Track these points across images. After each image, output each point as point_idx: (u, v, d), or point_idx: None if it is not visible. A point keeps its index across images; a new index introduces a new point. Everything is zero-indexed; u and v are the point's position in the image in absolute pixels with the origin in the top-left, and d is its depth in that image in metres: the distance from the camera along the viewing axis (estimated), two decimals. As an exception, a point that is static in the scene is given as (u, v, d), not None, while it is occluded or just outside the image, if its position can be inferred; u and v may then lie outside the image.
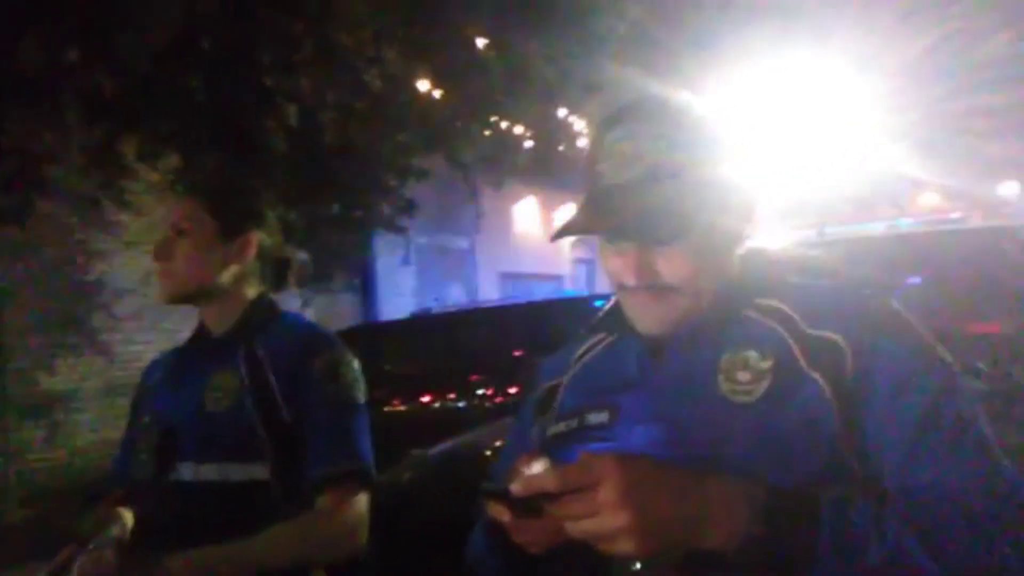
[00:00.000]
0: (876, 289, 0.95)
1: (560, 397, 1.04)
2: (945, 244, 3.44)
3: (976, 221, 3.92)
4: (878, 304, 0.90)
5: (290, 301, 7.46)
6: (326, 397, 1.32)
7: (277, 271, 1.49)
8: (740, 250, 0.97)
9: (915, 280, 3.37)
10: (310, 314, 8.31)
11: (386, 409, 5.87)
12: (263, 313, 1.42)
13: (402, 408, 5.93)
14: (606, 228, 0.91)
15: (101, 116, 5.57)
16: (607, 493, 0.70)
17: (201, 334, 1.44)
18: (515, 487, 0.73)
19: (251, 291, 1.43)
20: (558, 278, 13.09)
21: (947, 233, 3.65)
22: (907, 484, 0.80)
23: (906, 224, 4.20)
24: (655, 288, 0.90)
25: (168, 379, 1.44)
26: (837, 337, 0.87)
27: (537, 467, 0.76)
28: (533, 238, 12.73)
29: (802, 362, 0.87)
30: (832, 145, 8.40)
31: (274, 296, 1.51)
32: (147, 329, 7.01)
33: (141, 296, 7.03)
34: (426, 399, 5.89)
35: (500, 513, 0.78)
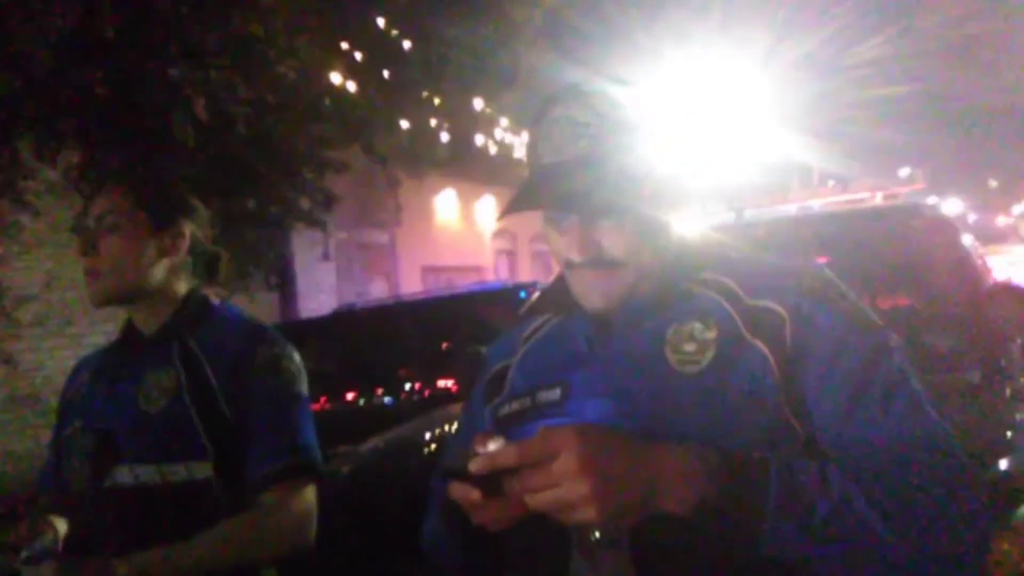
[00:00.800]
0: (809, 261, 0.99)
1: (510, 378, 1.04)
2: (857, 223, 3.60)
3: (884, 201, 4.10)
4: (813, 274, 0.94)
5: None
6: (268, 390, 1.28)
7: (208, 265, 1.43)
8: (678, 227, 1.00)
9: (822, 259, 3.51)
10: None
11: (312, 408, 5.77)
12: (196, 308, 1.37)
13: (328, 406, 5.84)
14: (549, 204, 0.93)
15: (-7, 113, 5.27)
16: (567, 463, 0.71)
17: (130, 333, 1.38)
18: (474, 465, 0.74)
19: (183, 286, 1.38)
20: (480, 270, 13.09)
21: (859, 212, 3.82)
22: (845, 440, 0.85)
23: (819, 205, 4.37)
24: (600, 264, 0.92)
25: (98, 382, 1.37)
26: (776, 306, 0.91)
27: (494, 445, 0.76)
28: (454, 230, 12.70)
29: (744, 331, 0.90)
30: (741, 133, 8.70)
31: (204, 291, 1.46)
32: (52, 335, 6.68)
33: (44, 301, 6.70)
34: (352, 396, 5.82)
35: (462, 493, 0.78)
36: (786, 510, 0.76)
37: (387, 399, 5.73)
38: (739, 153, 8.53)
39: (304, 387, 1.35)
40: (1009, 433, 2.37)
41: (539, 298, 1.11)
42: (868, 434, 0.84)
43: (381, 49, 5.96)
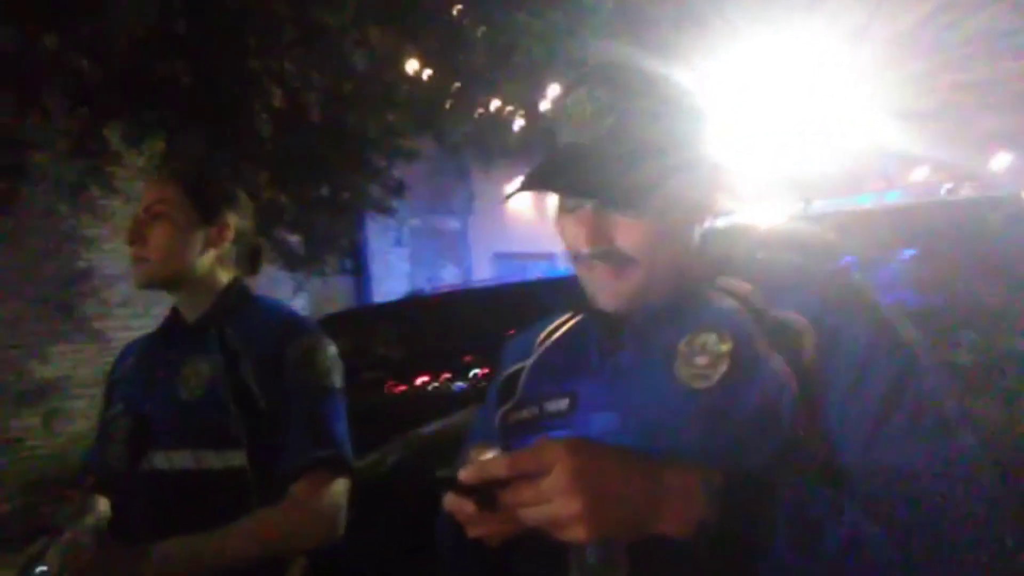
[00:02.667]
0: (841, 265, 0.93)
1: (522, 383, 1.02)
2: (933, 216, 3.42)
3: (964, 193, 3.88)
4: (841, 282, 0.89)
5: (283, 286, 7.45)
6: (301, 383, 1.30)
7: (250, 256, 1.47)
8: (703, 225, 0.95)
9: (910, 252, 3.36)
10: (304, 299, 8.30)
11: (380, 391, 5.88)
12: (236, 298, 1.40)
13: (396, 390, 5.94)
14: (562, 184, 0.89)
15: (84, 102, 5.51)
16: (557, 479, 0.69)
17: (174, 320, 1.42)
18: (464, 474, 0.73)
19: (225, 276, 1.41)
20: (551, 257, 13.05)
21: (935, 205, 3.62)
22: (866, 468, 0.79)
23: (895, 197, 4.16)
24: (611, 259, 0.88)
25: (140, 367, 1.42)
26: (798, 318, 0.85)
27: (488, 454, 0.75)
28: (526, 218, 12.68)
29: (761, 345, 0.85)
30: (821, 119, 8.35)
31: (251, 280, 1.49)
32: (139, 315, 6.99)
33: (131, 282, 7.02)
34: (420, 380, 5.89)
35: (456, 504, 0.77)
36: (794, 539, 0.72)
37: (457, 385, 5.79)
38: (818, 139, 8.20)
39: (338, 381, 1.36)
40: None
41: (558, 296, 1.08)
42: (892, 461, 0.78)
43: (451, 37, 5.97)
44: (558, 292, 1.03)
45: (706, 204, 0.94)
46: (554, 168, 0.89)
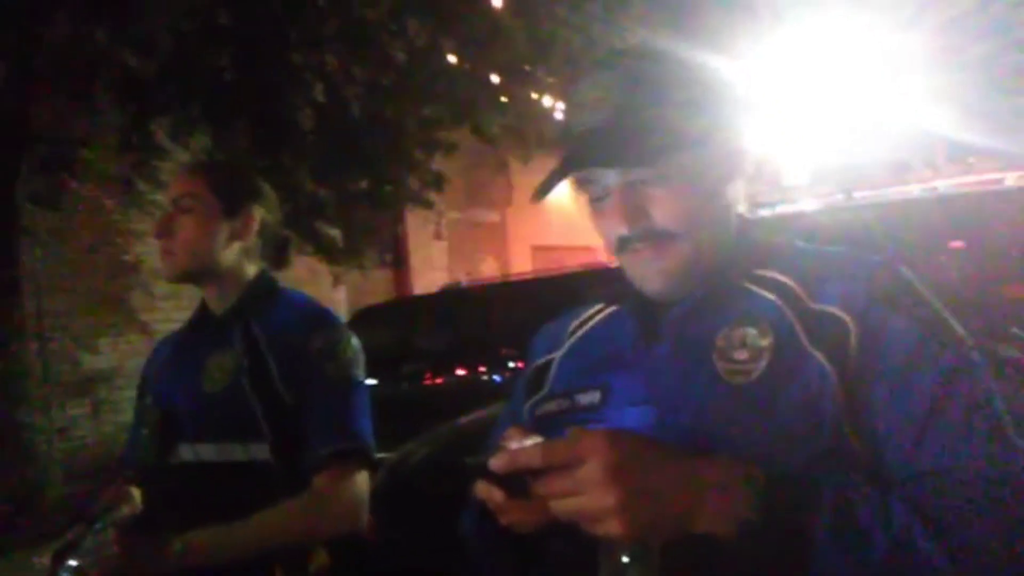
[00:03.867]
0: (887, 256, 0.89)
1: (552, 374, 1.00)
2: (983, 206, 3.31)
3: (1015, 182, 3.76)
4: (888, 274, 0.85)
5: (323, 278, 7.53)
6: (324, 375, 1.30)
7: (277, 249, 1.47)
8: (736, 206, 0.92)
9: (957, 243, 3.26)
10: (344, 291, 8.38)
11: (419, 383, 5.91)
12: (262, 291, 1.41)
13: (435, 382, 5.97)
14: (579, 168, 0.87)
15: (131, 98, 5.63)
16: (593, 470, 0.67)
17: (203, 313, 1.44)
18: (496, 462, 0.71)
19: (251, 269, 1.42)
20: (590, 249, 12.99)
21: (985, 195, 3.51)
22: (915, 469, 0.76)
23: (944, 186, 4.04)
24: (652, 236, 0.86)
25: (170, 360, 1.44)
26: (842, 312, 0.82)
27: (523, 442, 0.73)
28: (565, 210, 12.63)
29: (803, 339, 0.82)
30: (868, 107, 8.15)
31: (281, 273, 1.49)
32: (184, 307, 7.10)
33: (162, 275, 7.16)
34: (458, 372, 5.91)
35: (486, 492, 0.75)
36: (838, 541, 0.69)
37: (495, 377, 5.80)
38: (862, 128, 8.00)
39: (361, 373, 1.36)
40: None
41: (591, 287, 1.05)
42: (941, 464, 0.75)
43: (490, 29, 5.96)
44: (596, 284, 1.01)
45: (734, 168, 0.91)
46: (571, 156, 0.87)
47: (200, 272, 1.38)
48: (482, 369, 5.77)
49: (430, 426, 2.99)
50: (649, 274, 0.88)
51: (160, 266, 1.40)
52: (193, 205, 1.36)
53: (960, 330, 0.82)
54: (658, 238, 0.86)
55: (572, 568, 0.83)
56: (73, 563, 1.17)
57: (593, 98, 0.87)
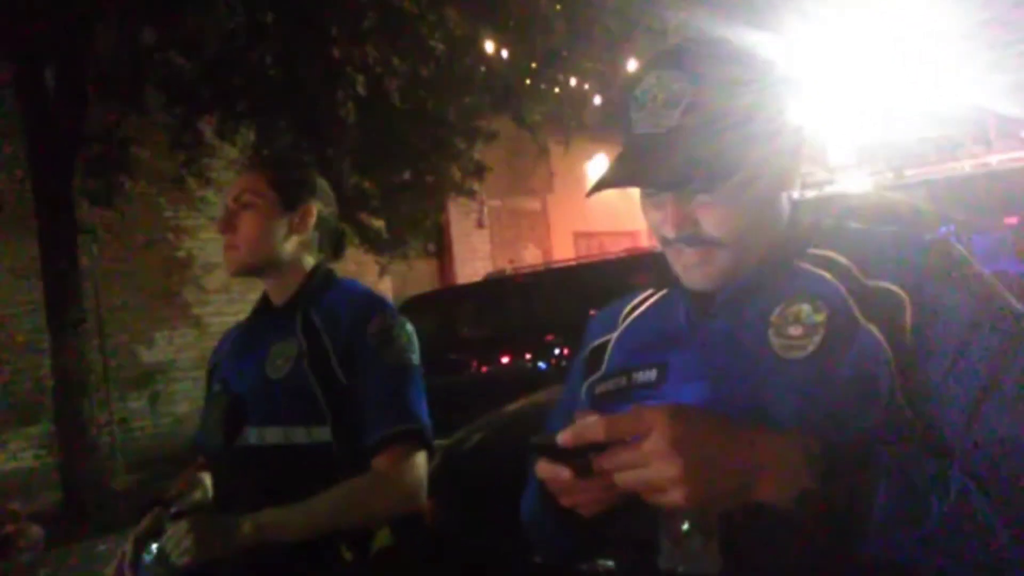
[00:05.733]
0: (938, 234, 0.89)
1: (609, 355, 1.02)
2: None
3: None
4: (940, 251, 0.85)
5: (369, 269, 7.63)
6: (381, 361, 1.34)
7: (333, 240, 1.51)
8: (790, 197, 0.93)
9: (1012, 220, 3.19)
10: (389, 281, 8.48)
11: (465, 372, 5.97)
12: (320, 281, 1.45)
13: (480, 370, 6.02)
14: (640, 181, 0.88)
15: (179, 97, 5.76)
16: (657, 442, 0.69)
17: (264, 304, 1.49)
18: (563, 437, 0.73)
19: (310, 260, 1.46)
20: (633, 235, 12.93)
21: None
22: (972, 440, 0.76)
23: (997, 161, 3.93)
24: (697, 241, 0.87)
25: (235, 350, 1.50)
26: (895, 288, 0.82)
27: (587, 420, 0.75)
28: (606, 195, 12.50)
29: (858, 314, 0.82)
30: (915, 83, 7.93)
31: (334, 264, 1.54)
32: (235, 301, 7.29)
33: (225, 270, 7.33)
34: (503, 360, 5.96)
35: (551, 472, 0.78)
36: (896, 510, 0.70)
37: (540, 364, 5.83)
38: (912, 105, 7.79)
39: (416, 358, 1.39)
40: None
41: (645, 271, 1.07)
42: (997, 434, 0.75)
43: (528, 16, 5.95)
44: (639, 270, 1.02)
45: (791, 175, 0.92)
46: (632, 162, 0.87)
47: (261, 265, 1.42)
48: (527, 356, 5.81)
49: (477, 414, 3.03)
50: (691, 274, 0.90)
51: (224, 260, 1.45)
52: (254, 201, 1.40)
53: (1015, 304, 0.82)
54: (703, 244, 0.87)
55: (633, 547, 0.86)
56: (155, 547, 1.22)
57: (656, 100, 0.86)
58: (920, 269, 0.83)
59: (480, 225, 10.25)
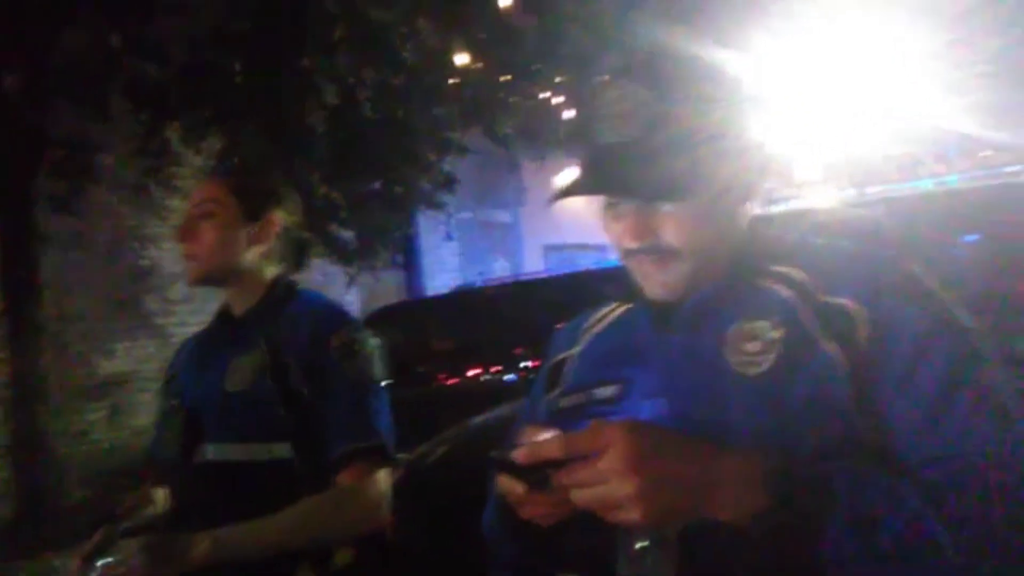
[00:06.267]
0: (895, 251, 0.90)
1: (569, 370, 1.02)
2: (996, 199, 3.30)
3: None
4: (896, 268, 0.86)
5: (336, 280, 7.57)
6: (343, 375, 1.32)
7: (297, 251, 1.49)
8: (750, 212, 0.94)
9: (971, 238, 3.25)
10: (356, 293, 8.42)
11: (432, 384, 5.94)
12: (282, 293, 1.43)
13: (448, 383, 5.99)
14: (601, 189, 0.88)
15: (145, 103, 5.68)
16: (614, 459, 0.69)
17: (224, 315, 1.46)
18: (519, 453, 0.73)
19: (271, 271, 1.44)
20: (603, 248, 13.01)
21: (999, 187, 3.50)
22: (924, 456, 0.77)
23: (956, 180, 4.02)
24: (657, 252, 0.88)
25: (193, 362, 1.47)
26: (852, 304, 0.83)
27: (542, 436, 0.75)
28: (577, 209, 12.62)
29: (814, 331, 0.83)
30: (880, 101, 8.10)
31: (298, 276, 1.52)
32: (199, 311, 7.18)
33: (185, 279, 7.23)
34: (471, 373, 5.93)
35: (508, 485, 0.77)
36: (851, 526, 0.70)
37: (509, 376, 5.82)
38: (874, 122, 7.95)
39: (379, 373, 1.38)
40: None
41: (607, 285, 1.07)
42: (949, 451, 0.76)
43: (500, 29, 5.97)
44: (609, 283, 1.03)
45: (753, 189, 0.92)
46: (594, 171, 0.88)
47: (221, 275, 1.40)
48: (495, 369, 5.80)
49: (444, 427, 3.01)
50: (651, 285, 0.91)
51: (186, 271, 1.42)
52: (215, 210, 1.38)
53: (967, 321, 0.84)
54: (662, 254, 0.88)
55: (591, 561, 0.85)
56: (101, 564, 1.19)
57: (620, 110, 0.87)
58: (876, 285, 0.84)
59: (450, 237, 10.23)
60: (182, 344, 1.58)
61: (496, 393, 4.99)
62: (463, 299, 6.66)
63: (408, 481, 2.28)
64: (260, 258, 1.42)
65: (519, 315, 6.05)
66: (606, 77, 0.91)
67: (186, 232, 1.38)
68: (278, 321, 1.38)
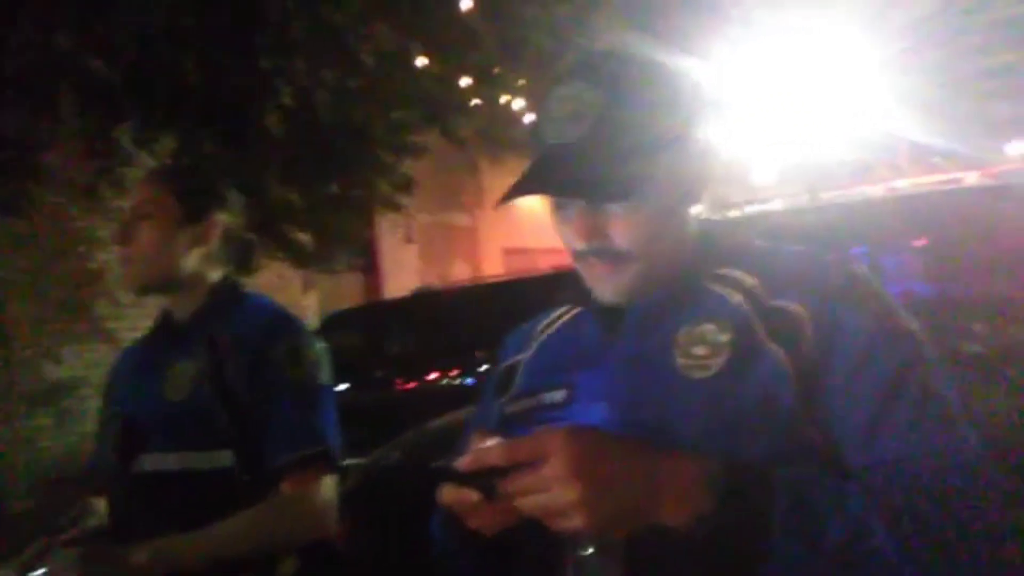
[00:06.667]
0: (842, 255, 0.91)
1: (520, 375, 1.01)
2: (944, 206, 3.39)
3: (975, 181, 3.85)
4: (841, 271, 0.87)
5: (293, 283, 7.48)
6: (288, 380, 1.29)
7: (242, 254, 1.46)
8: (698, 213, 0.94)
9: (920, 242, 3.33)
10: (313, 295, 8.32)
11: (391, 388, 5.89)
12: (225, 297, 1.40)
13: (407, 386, 5.95)
14: (549, 190, 0.88)
15: (95, 103, 5.55)
16: (556, 466, 0.68)
17: (165, 321, 1.42)
18: (461, 462, 0.72)
19: (214, 275, 1.41)
20: (561, 251, 13.03)
21: (946, 194, 3.59)
22: (868, 459, 0.78)
23: (905, 186, 4.12)
24: (607, 254, 0.87)
25: (133, 369, 1.43)
26: (798, 307, 0.84)
27: (488, 443, 0.74)
28: (536, 211, 12.67)
29: (761, 335, 0.84)
30: (834, 108, 8.28)
31: (254, 279, 1.48)
32: (150, 316, 6.93)
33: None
34: (431, 376, 5.90)
35: (452, 494, 0.76)
36: (794, 531, 0.70)
37: (468, 380, 5.80)
38: (831, 130, 8.12)
39: (326, 377, 1.35)
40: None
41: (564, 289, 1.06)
42: (893, 452, 0.77)
43: (460, 32, 5.96)
44: (568, 286, 1.02)
45: (701, 193, 0.93)
46: (540, 171, 0.87)
47: (161, 279, 1.36)
48: (455, 372, 5.77)
49: (403, 430, 2.98)
50: (601, 287, 0.90)
51: (123, 276, 1.38)
52: (152, 211, 1.35)
53: (912, 324, 0.85)
54: (613, 256, 0.88)
55: (538, 568, 0.84)
56: (40, 572, 1.15)
57: (567, 111, 0.86)
58: (822, 288, 0.85)
59: (409, 240, 10.18)
60: (124, 352, 1.53)
61: (455, 397, 4.96)
62: (422, 302, 6.62)
63: (363, 486, 2.25)
64: (202, 261, 1.38)
65: (478, 318, 6.04)
66: (554, 77, 0.90)
67: (122, 236, 1.34)
68: (222, 326, 1.34)
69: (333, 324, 6.33)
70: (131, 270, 1.36)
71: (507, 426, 0.94)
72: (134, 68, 5.28)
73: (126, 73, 5.40)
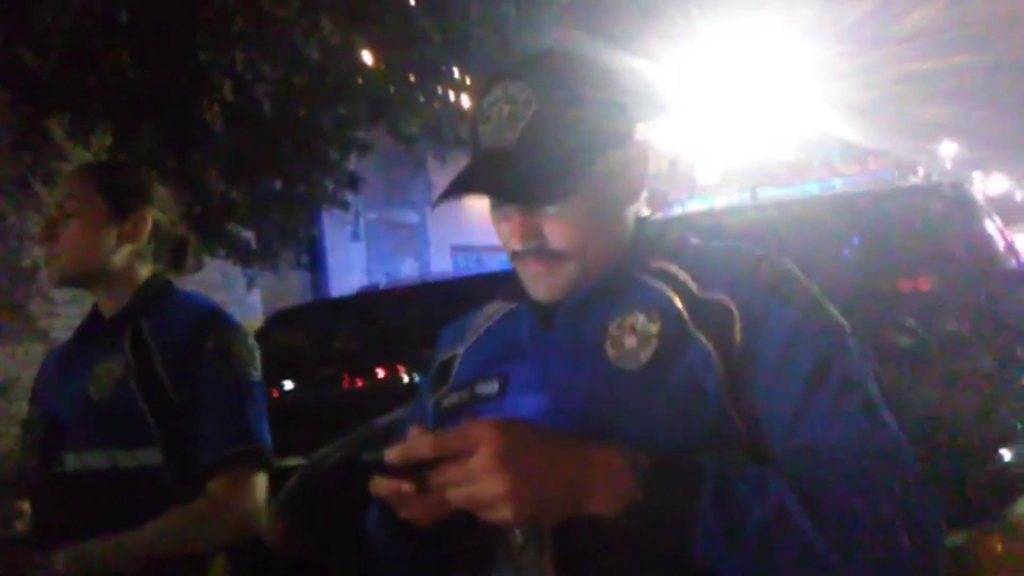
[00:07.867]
0: (771, 250, 0.93)
1: (456, 368, 1.02)
2: (877, 204, 3.50)
3: (904, 180, 3.99)
4: (771, 266, 0.89)
5: (237, 281, 7.34)
6: (217, 376, 1.27)
7: (175, 251, 1.43)
8: (634, 212, 0.95)
9: (853, 239, 3.42)
10: (258, 293, 8.18)
11: (337, 386, 5.83)
12: (154, 293, 1.37)
13: (354, 384, 5.89)
14: (485, 193, 0.88)
15: (27, 94, 5.36)
16: (482, 458, 0.69)
17: (93, 318, 1.39)
18: (391, 454, 0.72)
19: (144, 271, 1.38)
20: (511, 249, 13.08)
21: (879, 193, 3.71)
22: (791, 446, 0.80)
23: (840, 184, 4.24)
24: (543, 254, 0.88)
25: (60, 369, 1.39)
26: (727, 299, 0.86)
27: (416, 437, 0.74)
28: (484, 209, 12.64)
29: (690, 326, 0.85)
30: (773, 109, 8.48)
31: (198, 276, 1.45)
32: (85, 314, 6.84)
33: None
34: (377, 374, 5.86)
35: (383, 486, 0.76)
36: (717, 517, 0.72)
37: (415, 377, 5.77)
38: (772, 130, 8.33)
39: (256, 374, 1.33)
40: (1020, 425, 2.29)
41: (500, 285, 1.07)
42: (816, 440, 0.79)
43: (405, 28, 5.92)
44: (512, 284, 1.02)
45: (637, 191, 0.94)
46: (476, 174, 0.88)
47: (87, 276, 1.33)
48: (401, 370, 5.74)
49: (349, 429, 2.95)
50: (537, 286, 0.91)
51: (47, 272, 1.35)
52: (78, 208, 1.31)
53: (837, 317, 0.87)
54: (548, 256, 0.89)
55: (471, 559, 0.85)
56: None
57: (503, 112, 0.86)
58: (752, 282, 0.87)
59: (355, 237, 10.08)
60: (51, 351, 1.49)
61: (402, 394, 4.94)
62: (368, 300, 6.57)
63: (302, 487, 2.22)
64: (132, 257, 1.35)
65: (425, 316, 6.01)
66: (488, 78, 0.91)
67: (48, 232, 1.31)
68: (150, 323, 1.31)
69: (278, 322, 6.24)
70: (56, 265, 1.32)
71: (444, 419, 0.95)
72: (67, 60, 5.12)
73: (58, 65, 5.24)
